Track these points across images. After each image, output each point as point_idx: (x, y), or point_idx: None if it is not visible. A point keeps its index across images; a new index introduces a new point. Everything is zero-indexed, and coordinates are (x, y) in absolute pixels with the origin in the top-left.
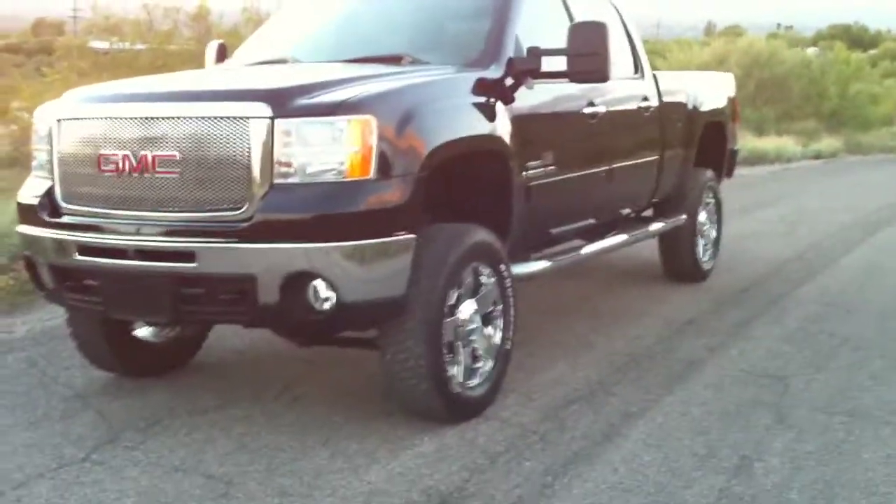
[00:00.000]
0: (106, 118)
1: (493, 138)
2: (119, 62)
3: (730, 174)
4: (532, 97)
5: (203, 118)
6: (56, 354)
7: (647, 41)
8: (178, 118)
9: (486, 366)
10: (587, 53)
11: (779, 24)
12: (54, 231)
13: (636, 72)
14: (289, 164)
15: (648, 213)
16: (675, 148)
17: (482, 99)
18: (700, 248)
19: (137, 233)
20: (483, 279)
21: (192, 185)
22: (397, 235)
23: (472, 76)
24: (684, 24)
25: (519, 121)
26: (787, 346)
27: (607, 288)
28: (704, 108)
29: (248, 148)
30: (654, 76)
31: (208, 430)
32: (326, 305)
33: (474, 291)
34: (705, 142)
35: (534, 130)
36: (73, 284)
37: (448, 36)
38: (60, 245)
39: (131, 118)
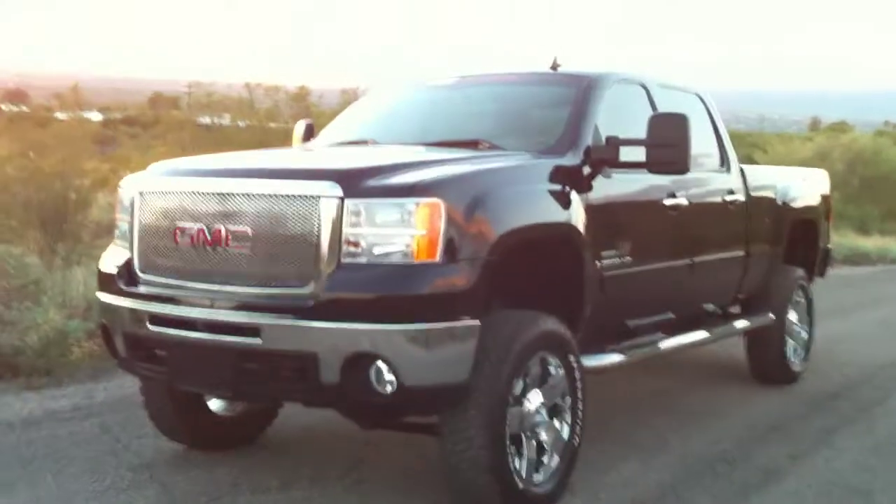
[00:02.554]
0: (184, 192)
1: (565, 226)
2: (221, 138)
3: (822, 273)
4: (610, 186)
5: (276, 196)
6: (131, 422)
7: (748, 134)
8: (252, 195)
9: (552, 461)
10: (666, 144)
11: (886, 122)
12: (129, 300)
13: (722, 165)
14: (356, 244)
15: (735, 309)
16: (761, 244)
17: (556, 186)
18: (789, 349)
19: (206, 305)
20: (551, 369)
21: (262, 260)
22: (462, 320)
23: (547, 163)
24: (788, 119)
25: (594, 210)
26: (875, 458)
27: (689, 384)
28: (795, 204)
29: (318, 226)
30: (742, 170)
31: None
32: (388, 388)
33: (541, 382)
34: (795, 239)
35: (610, 220)
36: (143, 353)
37: (528, 123)
38: (134, 314)
39: (207, 193)
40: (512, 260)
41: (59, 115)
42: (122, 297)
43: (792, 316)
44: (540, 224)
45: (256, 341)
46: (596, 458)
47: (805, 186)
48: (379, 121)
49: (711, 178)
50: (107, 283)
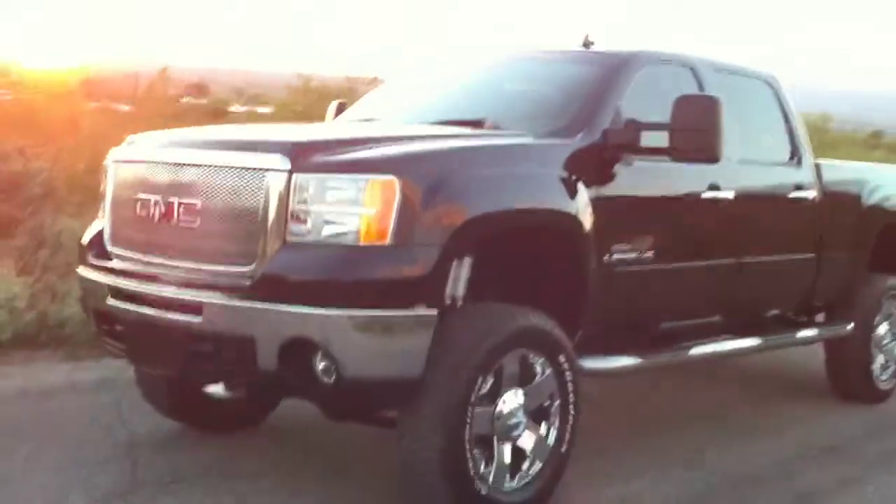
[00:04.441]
0: (144, 162)
1: (558, 214)
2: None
3: None
4: (629, 175)
5: (224, 167)
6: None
7: None
8: (202, 166)
9: (533, 468)
10: (693, 129)
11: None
12: (95, 273)
13: (792, 158)
14: (304, 222)
15: (820, 318)
16: (839, 247)
17: (552, 170)
18: (877, 365)
19: (158, 281)
20: (536, 369)
21: (211, 235)
22: (415, 310)
23: (545, 145)
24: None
25: (606, 199)
26: None
27: (756, 397)
28: (887, 206)
29: (265, 202)
30: (817, 165)
31: (224, 497)
32: (328, 379)
33: (523, 382)
34: (889, 246)
35: (626, 211)
36: (107, 329)
37: (544, 104)
38: (99, 287)
39: (163, 163)
40: (494, 249)
41: (235, 109)
42: (90, 270)
43: (882, 329)
44: (525, 211)
45: (198, 320)
46: (611, 469)
47: None
48: (394, 99)
49: (773, 172)
50: (81, 255)
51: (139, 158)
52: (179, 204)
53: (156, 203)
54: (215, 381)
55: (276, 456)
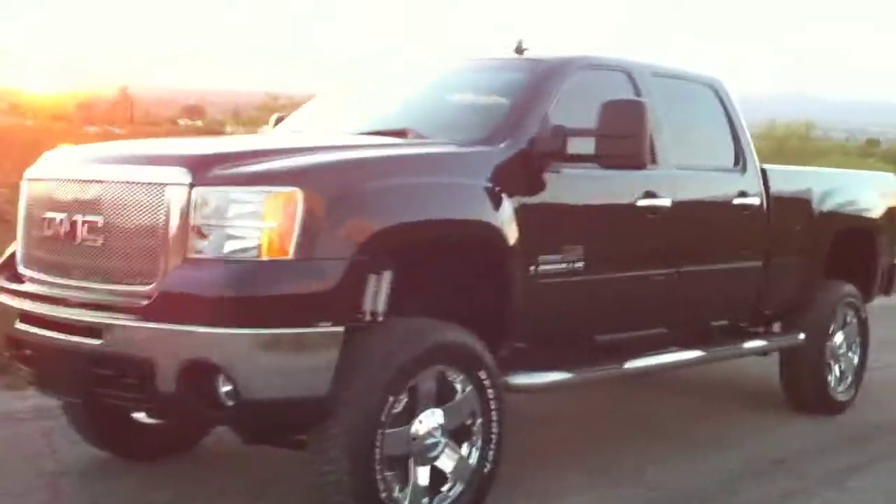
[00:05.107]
0: (53, 179)
1: (480, 225)
2: None
3: (887, 292)
4: (556, 183)
5: (125, 183)
6: None
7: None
8: (105, 182)
9: (454, 490)
10: (619, 135)
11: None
12: (6, 296)
13: (736, 164)
14: (205, 238)
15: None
16: (789, 254)
17: (472, 180)
18: (833, 376)
19: (62, 303)
20: (457, 387)
21: (114, 254)
22: (319, 327)
23: (466, 153)
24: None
25: (532, 208)
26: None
27: (707, 410)
28: (842, 211)
29: (166, 217)
30: (763, 170)
31: None
32: (229, 401)
33: (441, 401)
34: (845, 251)
35: (554, 221)
36: (18, 354)
37: (471, 112)
38: (8, 311)
39: (70, 180)
40: (416, 263)
41: (229, 129)
42: (1, 293)
43: (837, 338)
44: (442, 222)
45: (98, 343)
46: (549, 486)
47: (859, 191)
48: (327, 110)
49: (715, 178)
50: None
51: (48, 176)
52: (83, 222)
53: (61, 222)
54: (128, 408)
55: (198, 481)
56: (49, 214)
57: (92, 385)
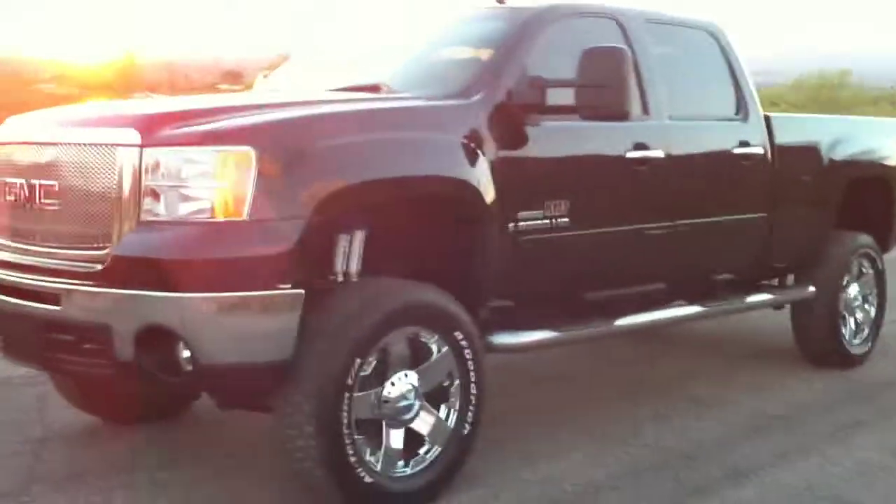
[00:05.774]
0: (13, 143)
1: (452, 181)
2: None
3: None
4: (537, 135)
5: (77, 145)
6: None
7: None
8: (60, 144)
9: (431, 453)
10: (599, 85)
11: None
12: None
13: (738, 112)
14: (157, 200)
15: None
16: (797, 205)
17: (443, 135)
18: (847, 328)
19: (23, 269)
20: (432, 347)
21: (70, 219)
22: (278, 289)
23: (441, 106)
24: None
25: (510, 162)
26: (893, 461)
27: (716, 367)
28: (853, 160)
29: (119, 180)
30: (767, 118)
31: (117, 492)
32: (187, 367)
33: (416, 362)
34: (861, 202)
35: (534, 176)
36: None
37: (447, 64)
38: None
39: (28, 144)
40: (387, 222)
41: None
42: None
43: (852, 290)
44: (411, 178)
45: (57, 309)
46: (540, 448)
47: (873, 139)
48: (308, 68)
49: (713, 128)
50: None
51: (9, 140)
52: (40, 186)
53: (21, 186)
54: (84, 373)
55: (183, 447)
56: (10, 179)
57: (52, 351)
